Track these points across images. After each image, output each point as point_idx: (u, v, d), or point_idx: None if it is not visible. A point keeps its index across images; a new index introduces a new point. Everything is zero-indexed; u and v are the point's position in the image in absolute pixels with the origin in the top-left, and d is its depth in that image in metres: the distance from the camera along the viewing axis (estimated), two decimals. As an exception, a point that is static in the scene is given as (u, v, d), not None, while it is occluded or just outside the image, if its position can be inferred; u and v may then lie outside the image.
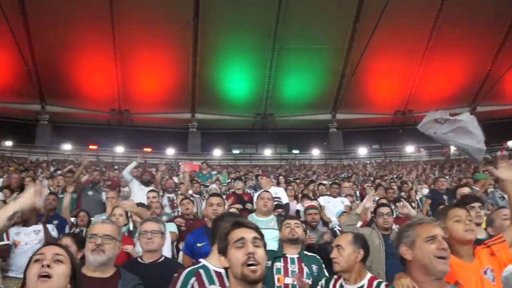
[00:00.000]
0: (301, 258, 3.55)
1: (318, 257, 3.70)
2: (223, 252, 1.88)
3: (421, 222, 2.12)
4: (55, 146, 29.44)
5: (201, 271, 2.49)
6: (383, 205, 4.94)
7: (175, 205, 7.47)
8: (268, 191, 5.28)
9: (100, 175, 9.21)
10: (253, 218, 4.79)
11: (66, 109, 31.16)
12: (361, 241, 2.94)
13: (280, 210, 6.20)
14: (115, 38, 27.09)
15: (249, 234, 1.85)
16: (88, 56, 27.77)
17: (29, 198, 2.24)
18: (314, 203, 6.44)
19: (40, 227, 4.77)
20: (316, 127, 34.19)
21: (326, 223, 6.33)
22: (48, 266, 1.85)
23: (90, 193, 7.78)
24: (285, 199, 7.28)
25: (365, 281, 2.82)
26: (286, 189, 8.23)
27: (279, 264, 3.46)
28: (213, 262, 2.54)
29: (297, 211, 7.59)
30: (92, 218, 5.89)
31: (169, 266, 3.16)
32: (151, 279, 2.78)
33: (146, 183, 7.63)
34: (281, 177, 11.39)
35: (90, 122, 31.78)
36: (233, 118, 33.01)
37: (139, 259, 3.32)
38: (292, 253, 3.63)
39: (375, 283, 2.81)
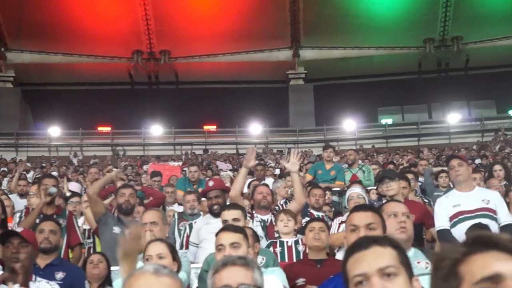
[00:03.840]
0: None
1: None
2: None
3: None
4: (31, 129, 27.81)
5: None
6: None
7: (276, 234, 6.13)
8: (399, 201, 4.29)
9: (133, 196, 6.28)
10: None
11: (47, 57, 27.49)
12: None
13: None
14: None
15: (510, 266, 1.36)
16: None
17: None
18: None
19: None
20: None
21: None
22: None
23: (115, 229, 5.91)
24: (505, 215, 5.33)
25: None
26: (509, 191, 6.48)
27: None
28: None
29: None
30: (113, 268, 5.00)
31: None
32: None
33: (216, 214, 5.71)
34: (497, 167, 8.33)
35: (95, 80, 28.28)
36: (377, 54, 27.72)
37: None
38: None
39: None
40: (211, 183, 6.11)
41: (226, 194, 5.90)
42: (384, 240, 1.80)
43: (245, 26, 25.82)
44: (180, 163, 16.13)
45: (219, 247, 3.43)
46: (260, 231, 5.83)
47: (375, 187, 7.86)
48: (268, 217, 5.77)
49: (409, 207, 4.47)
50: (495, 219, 5.03)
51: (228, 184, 8.68)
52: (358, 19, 25.79)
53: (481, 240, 1.33)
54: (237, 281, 2.31)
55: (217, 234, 3.55)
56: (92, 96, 27.42)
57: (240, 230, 3.61)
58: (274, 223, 5.75)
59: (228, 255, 3.17)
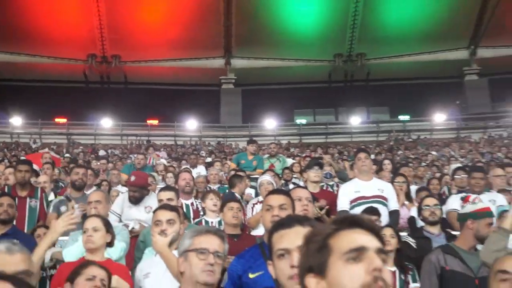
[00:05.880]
0: None
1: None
2: (317, 269, 1.56)
3: None
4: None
5: None
6: None
7: (200, 213, 6.65)
8: (303, 188, 5.08)
9: (87, 174, 7.30)
10: None
11: (12, 57, 29.28)
12: None
13: (373, 218, 5.39)
14: None
15: (372, 242, 1.56)
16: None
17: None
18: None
19: None
20: (441, 74, 31.32)
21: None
22: None
23: (63, 208, 6.41)
24: (393, 202, 6.14)
25: None
26: (393, 183, 7.08)
27: None
28: None
29: (412, 220, 6.43)
30: (62, 238, 4.99)
31: None
32: None
33: (136, 201, 6.31)
34: (386, 161, 9.39)
35: (54, 78, 30.10)
36: (296, 65, 30.81)
37: None
38: None
39: None
40: (132, 178, 6.50)
41: (144, 190, 6.29)
42: (305, 221, 2.12)
43: (186, 37, 28.27)
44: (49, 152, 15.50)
45: (156, 222, 3.78)
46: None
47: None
48: (191, 201, 6.40)
49: (323, 195, 6.10)
50: (386, 205, 5.85)
51: (161, 170, 10.92)
52: (281, 36, 28.65)
53: (348, 220, 1.57)
54: (214, 248, 2.72)
55: (155, 211, 3.98)
56: (51, 92, 28.92)
57: (175, 209, 4.02)
58: (202, 202, 6.27)
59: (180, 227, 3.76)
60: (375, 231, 1.56)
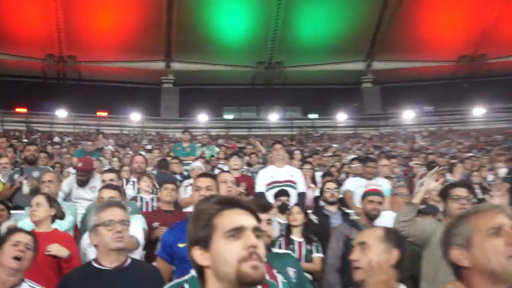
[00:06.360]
0: (269, 262, 2.97)
1: (293, 254, 3.88)
2: (202, 242, 1.64)
3: (477, 211, 1.91)
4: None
5: (186, 286, 2.20)
6: (460, 184, 4.53)
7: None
8: (228, 172, 5.17)
9: (37, 151, 7.89)
10: None
11: None
12: (395, 238, 2.67)
13: (284, 199, 5.98)
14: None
15: (250, 222, 1.63)
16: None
17: None
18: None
19: None
20: (343, 81, 33.45)
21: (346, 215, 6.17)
22: None
23: (16, 177, 6.89)
24: (301, 185, 6.78)
25: None
26: (301, 169, 7.79)
27: None
28: None
29: (316, 200, 7.06)
30: (16, 212, 5.88)
31: (142, 271, 3.01)
32: None
33: (82, 184, 6.68)
34: (297, 152, 10.63)
35: (15, 73, 30.48)
36: (225, 69, 32.32)
37: (94, 264, 3.01)
38: None
39: None
40: (79, 164, 6.77)
41: (89, 173, 6.58)
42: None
43: (133, 43, 29.32)
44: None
45: (100, 199, 4.13)
46: (130, 191, 7.01)
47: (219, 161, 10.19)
48: None
49: (243, 179, 7.08)
50: (295, 188, 6.46)
51: (108, 155, 11.19)
52: (214, 44, 30.29)
53: (228, 201, 1.68)
54: (119, 218, 2.92)
55: (99, 190, 4.42)
56: (13, 85, 29.29)
57: (117, 188, 4.43)
58: (137, 183, 6.68)
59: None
60: (253, 212, 1.69)
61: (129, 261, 2.99)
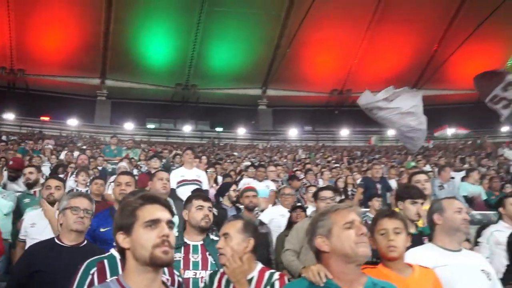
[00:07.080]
0: (205, 246, 3.42)
1: None
2: (125, 229, 1.81)
3: (336, 209, 2.19)
4: None
5: (105, 261, 2.46)
6: (327, 187, 5.11)
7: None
8: (164, 171, 5.36)
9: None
10: None
11: None
12: (252, 229, 2.87)
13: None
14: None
15: (165, 215, 1.82)
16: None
17: None
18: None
19: None
20: (244, 103, 34.84)
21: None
22: None
23: None
24: (206, 184, 7.34)
25: (255, 273, 2.77)
26: (206, 172, 8.44)
27: (178, 256, 3.27)
28: None
29: (217, 197, 7.46)
30: None
31: (93, 252, 2.96)
32: (75, 267, 2.59)
33: (13, 179, 7.00)
34: (203, 157, 11.31)
35: None
36: (149, 88, 33.21)
37: (56, 240, 3.20)
38: (195, 240, 3.47)
39: (266, 274, 2.79)
40: (10, 162, 7.10)
41: (19, 171, 6.61)
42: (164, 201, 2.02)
43: (74, 61, 30.09)
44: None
45: (47, 187, 4.36)
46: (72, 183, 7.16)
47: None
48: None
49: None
50: (201, 186, 6.97)
51: (48, 153, 11.71)
52: (141, 66, 31.48)
53: (150, 197, 1.79)
54: (84, 206, 3.07)
55: (46, 179, 4.63)
56: None
57: (62, 179, 4.63)
58: (75, 177, 7.06)
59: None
60: (168, 207, 1.79)
61: (85, 242, 3.20)
